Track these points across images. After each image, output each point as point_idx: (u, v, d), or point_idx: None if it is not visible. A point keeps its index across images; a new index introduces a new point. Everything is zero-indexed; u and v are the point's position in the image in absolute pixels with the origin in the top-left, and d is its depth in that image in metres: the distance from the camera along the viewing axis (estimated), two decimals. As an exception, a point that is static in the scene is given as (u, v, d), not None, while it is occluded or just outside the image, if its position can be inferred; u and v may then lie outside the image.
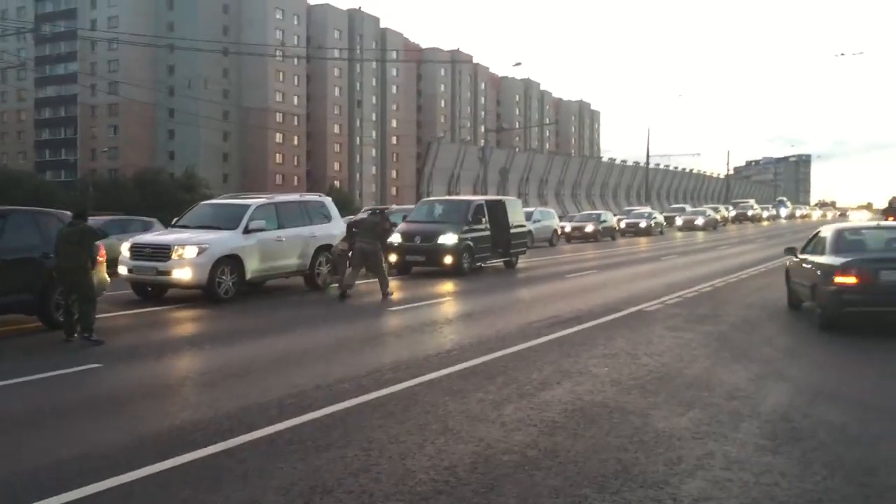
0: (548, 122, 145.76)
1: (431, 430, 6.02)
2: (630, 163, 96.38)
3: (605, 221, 42.54)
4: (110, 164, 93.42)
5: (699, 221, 54.29)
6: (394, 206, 17.43)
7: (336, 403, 6.78)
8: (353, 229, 15.76)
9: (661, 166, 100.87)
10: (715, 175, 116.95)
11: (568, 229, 40.60)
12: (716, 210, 61.42)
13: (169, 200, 45.46)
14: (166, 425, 6.13)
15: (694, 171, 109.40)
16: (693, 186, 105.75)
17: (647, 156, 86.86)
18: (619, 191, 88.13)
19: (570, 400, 6.94)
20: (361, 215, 21.03)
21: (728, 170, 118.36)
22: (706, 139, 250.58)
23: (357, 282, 15.60)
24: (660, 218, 50.58)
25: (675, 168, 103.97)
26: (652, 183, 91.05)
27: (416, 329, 11.40)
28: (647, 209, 54.64)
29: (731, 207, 71.76)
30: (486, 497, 4.65)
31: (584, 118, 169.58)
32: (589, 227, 40.69)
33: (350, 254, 15.65)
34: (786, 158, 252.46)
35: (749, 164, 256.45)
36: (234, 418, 6.33)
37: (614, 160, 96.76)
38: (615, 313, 12.54)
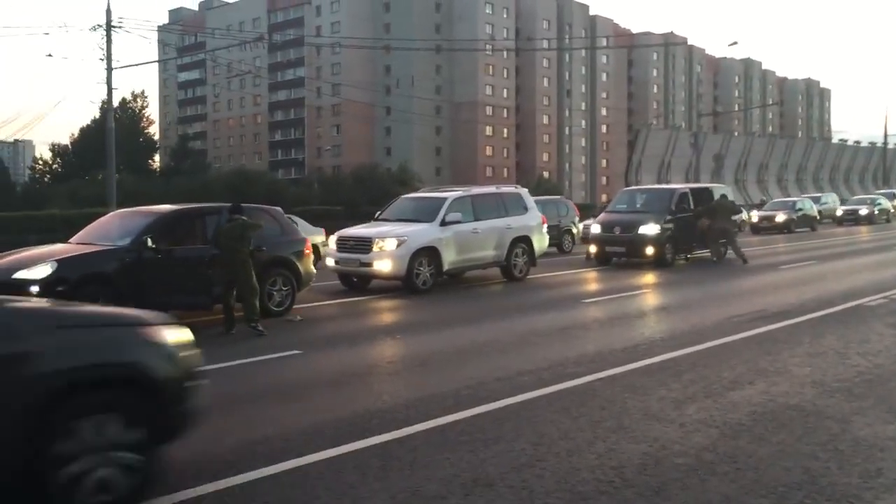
0: (770, 102, 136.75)
1: (605, 427, 5.85)
2: (865, 143, 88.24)
3: (801, 210, 37.20)
4: (333, 161, 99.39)
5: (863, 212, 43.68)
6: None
7: (513, 396, 6.76)
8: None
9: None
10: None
11: (755, 219, 36.97)
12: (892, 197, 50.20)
13: (384, 194, 47.48)
14: (347, 412, 6.40)
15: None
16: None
17: (885, 135, 79.07)
18: (852, 174, 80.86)
19: (761, 401, 6.47)
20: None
21: None
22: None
23: (551, 273, 15.45)
24: (887, 204, 44.64)
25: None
26: (891, 166, 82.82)
27: (606, 322, 11.13)
28: (874, 195, 48.14)
29: None
30: (651, 501, 4.45)
31: (811, 97, 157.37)
32: (780, 217, 36.09)
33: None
34: None
35: None
36: (412, 407, 6.50)
37: (846, 141, 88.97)
38: (829, 308, 11.53)
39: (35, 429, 3.94)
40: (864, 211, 42.15)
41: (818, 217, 39.67)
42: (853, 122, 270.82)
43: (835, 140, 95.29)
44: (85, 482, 4.13)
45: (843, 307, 11.66)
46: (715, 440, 5.47)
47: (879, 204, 43.66)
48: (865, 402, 6.43)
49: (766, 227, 35.86)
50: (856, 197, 49.88)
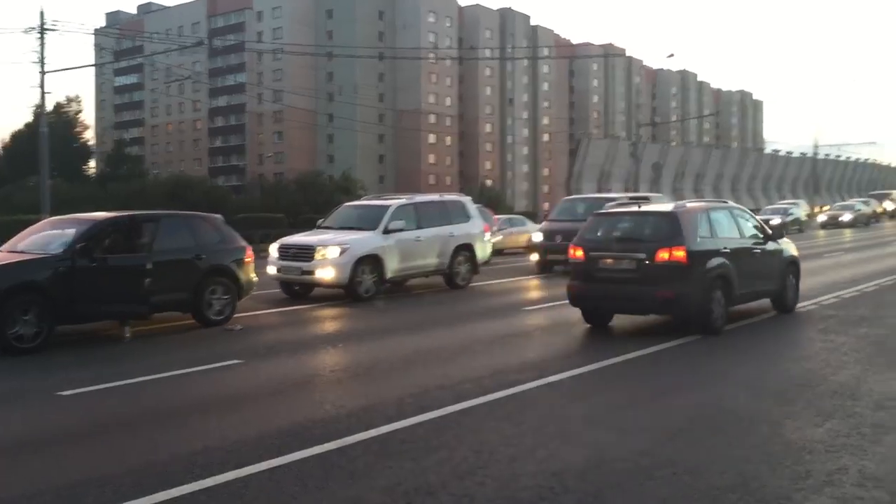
0: (706, 113, 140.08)
1: (546, 433, 5.92)
2: (796, 154, 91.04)
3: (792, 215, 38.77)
4: (276, 168, 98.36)
5: (846, 217, 47.27)
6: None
7: (455, 404, 6.78)
8: None
9: (832, 157, 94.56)
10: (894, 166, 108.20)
11: None
12: (866, 204, 52.85)
13: (327, 201, 47.24)
14: (288, 422, 6.34)
15: (870, 162, 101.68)
16: (869, 178, 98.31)
17: (815, 146, 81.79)
18: (784, 184, 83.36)
19: (697, 405, 6.63)
20: None
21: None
22: (887, 127, 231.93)
23: (493, 281, 15.60)
24: (800, 214, 45.23)
25: (849, 159, 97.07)
26: (821, 175, 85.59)
27: (548, 329, 11.27)
28: (788, 203, 48.46)
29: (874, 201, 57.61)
30: (589, 506, 4.51)
31: (746, 109, 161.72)
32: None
33: None
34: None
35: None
36: (353, 416, 6.48)
37: (778, 152, 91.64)
38: (762, 315, 11.85)
39: None
40: (775, 220, 40.48)
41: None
42: (785, 133, 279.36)
43: (767, 151, 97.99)
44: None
45: (775, 313, 11.99)
46: (652, 445, 5.58)
47: (791, 214, 43.26)
48: (795, 405, 6.63)
49: None
50: (769, 206, 49.72)
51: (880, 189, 74.62)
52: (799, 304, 12.52)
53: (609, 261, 10.52)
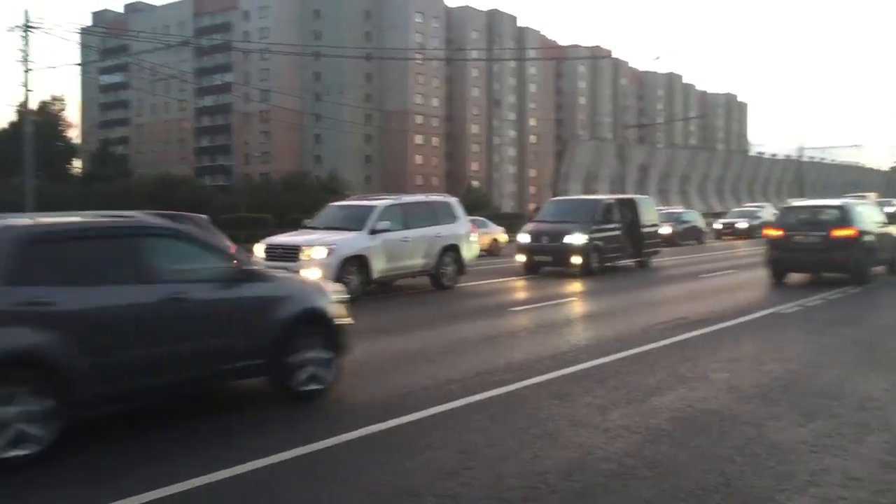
0: (692, 115, 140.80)
1: (531, 434, 5.92)
2: (781, 156, 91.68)
3: (686, 222, 36.08)
4: (262, 168, 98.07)
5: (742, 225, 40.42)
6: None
7: (440, 405, 6.79)
8: None
9: (817, 159, 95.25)
10: (878, 168, 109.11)
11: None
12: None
13: (314, 202, 47.16)
14: (272, 423, 6.33)
15: (855, 165, 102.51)
16: (853, 180, 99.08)
17: (800, 148, 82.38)
18: (769, 186, 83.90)
19: (680, 407, 6.65)
20: None
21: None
22: (870, 130, 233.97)
23: (480, 282, 15.60)
24: (768, 217, 41.46)
25: (833, 161, 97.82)
26: (805, 177, 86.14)
27: (534, 330, 11.28)
28: (756, 206, 45.03)
29: None
30: (574, 506, 4.53)
31: (731, 111, 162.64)
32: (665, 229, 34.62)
33: None
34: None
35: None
36: (338, 417, 6.47)
37: (762, 154, 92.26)
38: (747, 315, 11.93)
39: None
40: (742, 224, 39.56)
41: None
42: (769, 135, 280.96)
43: (752, 153, 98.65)
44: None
45: (761, 314, 12.09)
46: (637, 445, 5.60)
47: (759, 217, 39.37)
48: (779, 406, 6.67)
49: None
50: (736, 209, 46.64)
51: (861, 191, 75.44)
52: (780, 306, 12.63)
53: (800, 237, 15.96)
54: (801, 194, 77.61)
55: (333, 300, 7.54)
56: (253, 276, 6.76)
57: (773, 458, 5.27)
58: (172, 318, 6.03)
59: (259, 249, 15.16)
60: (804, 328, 10.81)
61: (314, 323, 7.17)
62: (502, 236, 31.34)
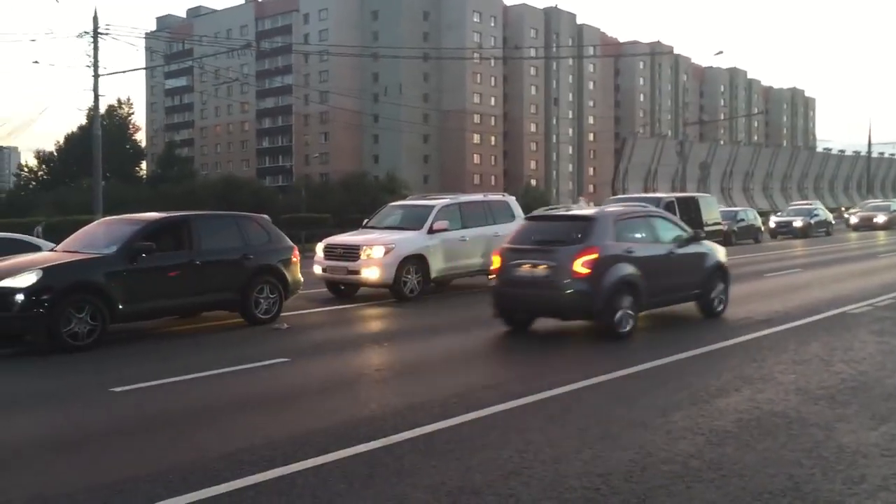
0: (756, 111, 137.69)
1: (591, 434, 5.87)
2: (849, 152, 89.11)
3: (743, 220, 34.76)
4: (321, 168, 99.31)
5: (880, 219, 43.31)
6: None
7: (500, 404, 6.77)
8: None
9: (887, 155, 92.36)
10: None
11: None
12: None
13: (372, 202, 47.53)
14: (334, 420, 6.40)
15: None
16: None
17: (869, 144, 79.91)
18: (837, 183, 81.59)
19: (746, 408, 6.51)
20: None
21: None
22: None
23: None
24: (826, 215, 40.93)
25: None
26: (875, 173, 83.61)
27: (592, 330, 11.15)
28: (813, 204, 43.52)
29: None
30: (636, 508, 4.47)
31: (796, 106, 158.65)
32: (798, 223, 37.30)
33: None
34: None
35: None
36: (399, 415, 6.51)
37: (830, 150, 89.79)
38: (814, 315, 11.62)
39: None
40: (798, 223, 38.53)
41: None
42: (837, 130, 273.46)
43: (819, 149, 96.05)
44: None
45: (828, 314, 11.76)
46: (701, 447, 5.50)
47: (817, 215, 39.78)
48: (849, 408, 6.48)
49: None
50: (792, 206, 45.41)
51: None
52: (850, 306, 12.28)
53: None
54: (870, 191, 75.40)
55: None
56: (695, 240, 11.49)
57: (842, 462, 5.14)
58: (671, 262, 10.87)
59: (319, 249, 15.37)
60: (874, 329, 10.48)
61: (720, 269, 11.83)
62: None
